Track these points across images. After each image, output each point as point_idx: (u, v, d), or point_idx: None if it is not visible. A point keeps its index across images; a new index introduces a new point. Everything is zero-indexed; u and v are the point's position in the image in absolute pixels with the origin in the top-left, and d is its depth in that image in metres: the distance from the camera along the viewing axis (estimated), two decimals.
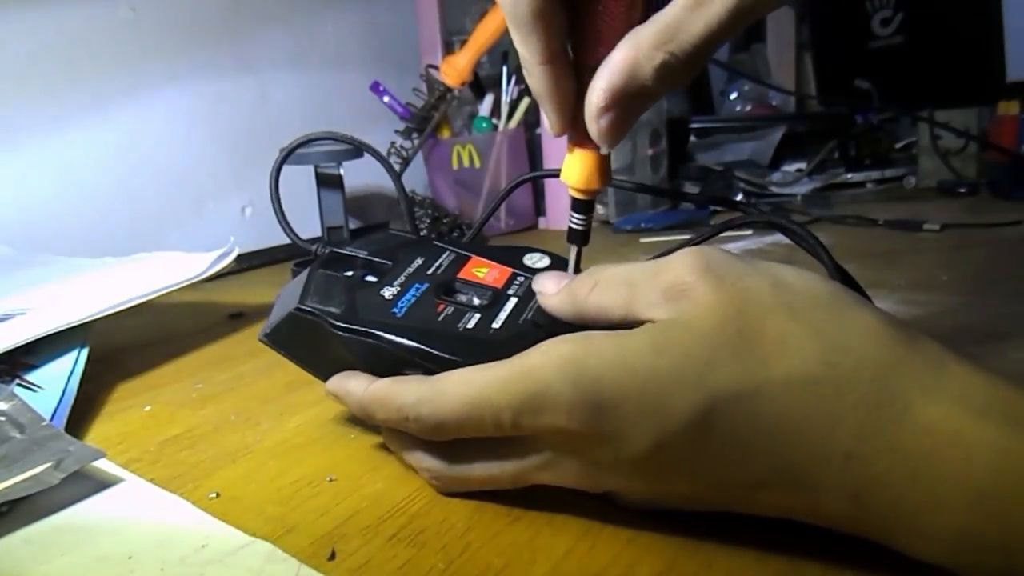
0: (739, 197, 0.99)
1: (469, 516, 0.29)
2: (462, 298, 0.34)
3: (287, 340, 0.34)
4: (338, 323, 0.31)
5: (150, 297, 0.49)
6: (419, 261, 0.37)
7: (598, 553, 0.26)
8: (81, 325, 0.44)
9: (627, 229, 0.88)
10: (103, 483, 0.33)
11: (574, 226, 0.32)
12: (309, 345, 0.33)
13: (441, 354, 0.30)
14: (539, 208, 0.98)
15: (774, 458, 0.23)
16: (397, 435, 0.32)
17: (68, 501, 0.31)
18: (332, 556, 0.27)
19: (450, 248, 0.39)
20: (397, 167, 0.91)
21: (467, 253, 0.38)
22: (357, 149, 0.79)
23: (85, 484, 0.32)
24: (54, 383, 0.41)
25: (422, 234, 0.81)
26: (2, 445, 0.33)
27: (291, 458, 0.35)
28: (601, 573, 0.25)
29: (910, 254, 0.67)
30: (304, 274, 0.35)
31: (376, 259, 0.37)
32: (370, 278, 0.35)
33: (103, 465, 0.34)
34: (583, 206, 0.32)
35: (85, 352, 0.44)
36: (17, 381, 0.41)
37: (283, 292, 0.36)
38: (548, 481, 0.28)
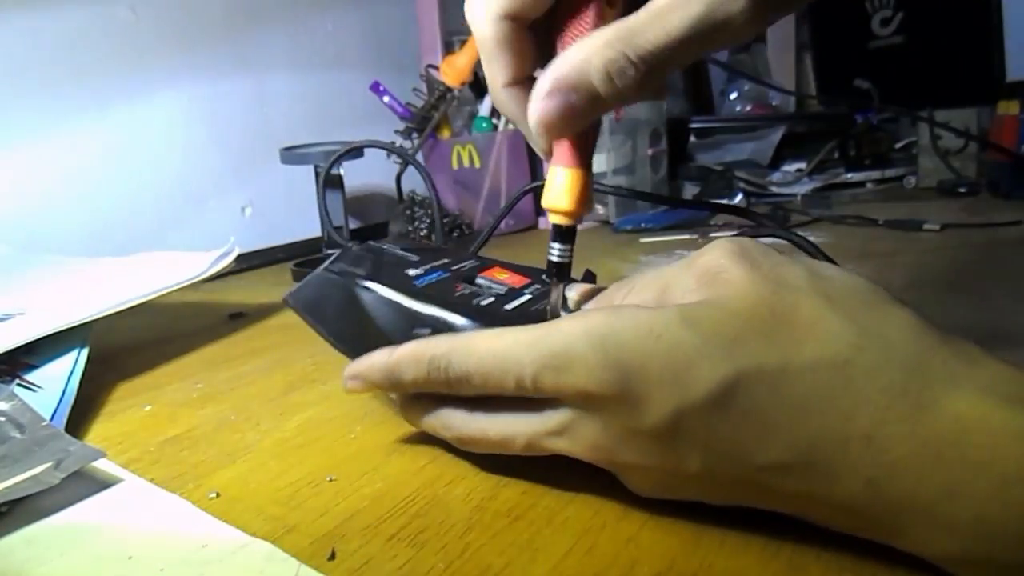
0: (739, 197, 0.99)
1: (469, 516, 0.29)
2: (479, 287, 0.36)
3: (311, 301, 0.35)
4: (362, 282, 0.33)
5: (150, 297, 0.49)
6: (445, 260, 0.39)
7: (598, 553, 0.26)
8: (81, 325, 0.44)
9: (627, 229, 0.88)
10: (103, 483, 0.33)
11: (554, 258, 0.30)
12: (331, 306, 0.35)
13: (455, 319, 0.31)
14: (539, 209, 0.98)
15: (793, 437, 0.23)
16: (417, 402, 0.32)
17: (68, 501, 0.31)
18: (332, 556, 0.27)
19: (476, 257, 0.41)
20: (397, 167, 0.91)
21: (491, 262, 0.40)
22: (358, 149, 0.79)
23: (85, 484, 0.32)
24: (54, 383, 0.41)
25: (422, 234, 0.81)
26: (2, 445, 0.33)
27: (291, 458, 0.35)
28: (601, 573, 0.25)
29: (910, 254, 0.67)
30: (336, 253, 0.37)
31: (405, 253, 0.39)
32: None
33: (103, 465, 0.34)
34: (565, 234, 0.30)
35: (85, 352, 0.44)
36: (17, 381, 0.41)
37: (312, 273, 0.38)
38: (561, 449, 0.28)
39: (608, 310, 0.26)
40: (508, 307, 0.33)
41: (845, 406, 0.22)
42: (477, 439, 0.30)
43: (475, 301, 0.33)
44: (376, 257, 0.36)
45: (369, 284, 0.33)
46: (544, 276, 0.33)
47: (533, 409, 0.28)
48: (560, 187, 0.28)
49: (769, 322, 0.24)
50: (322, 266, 0.36)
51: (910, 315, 0.24)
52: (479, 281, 0.37)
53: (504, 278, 0.38)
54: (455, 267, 0.38)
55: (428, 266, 0.37)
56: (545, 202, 0.29)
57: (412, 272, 0.36)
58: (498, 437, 0.29)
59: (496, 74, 0.28)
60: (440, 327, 0.31)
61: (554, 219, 0.29)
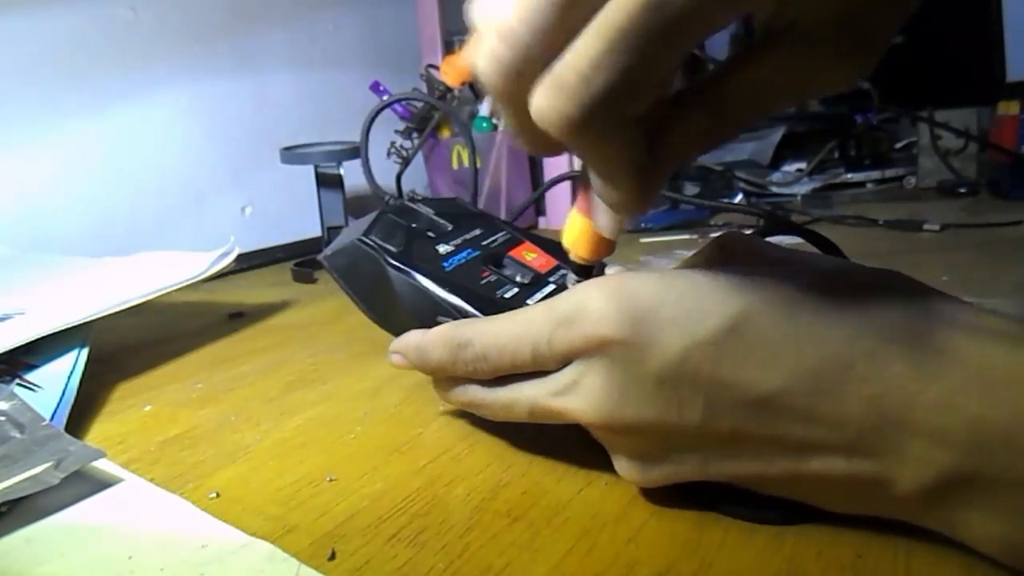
0: (739, 197, 0.99)
1: (469, 516, 0.29)
2: (506, 271, 0.37)
3: (344, 266, 0.37)
4: (392, 260, 0.34)
5: (150, 297, 0.49)
6: (477, 231, 0.40)
7: (598, 553, 0.26)
8: (81, 325, 0.44)
9: (627, 229, 0.88)
10: (103, 483, 0.33)
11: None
12: (362, 275, 0.36)
13: (475, 312, 0.32)
14: (539, 208, 0.98)
15: (797, 363, 0.24)
16: (446, 378, 0.33)
17: (68, 501, 0.31)
18: (332, 556, 0.27)
19: (508, 228, 0.41)
20: (397, 167, 0.91)
21: (521, 237, 0.41)
22: (358, 149, 0.79)
23: (85, 484, 0.32)
24: (54, 383, 0.41)
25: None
26: (2, 445, 0.33)
27: (291, 458, 0.35)
28: (601, 573, 0.25)
29: (910, 254, 0.67)
30: (373, 214, 0.38)
31: (439, 219, 0.39)
32: (430, 234, 0.38)
33: (103, 465, 0.34)
34: (584, 271, 0.31)
35: (85, 352, 0.44)
36: (17, 381, 0.41)
37: (351, 225, 0.39)
38: (563, 408, 0.28)
39: (620, 273, 0.28)
40: (529, 302, 0.34)
41: (849, 332, 0.24)
42: (488, 402, 0.31)
43: (498, 292, 0.35)
44: (409, 228, 0.37)
45: (399, 264, 0.34)
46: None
47: (540, 375, 0.29)
48: (583, 235, 0.29)
49: (772, 270, 0.26)
50: (360, 227, 0.37)
51: (899, 273, 0.27)
52: (506, 262, 0.38)
53: (532, 259, 0.39)
54: (485, 241, 0.39)
55: (459, 240, 0.38)
56: (567, 243, 0.29)
57: (442, 249, 0.37)
58: (506, 398, 0.30)
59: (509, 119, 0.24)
60: (461, 319, 0.32)
61: (574, 258, 0.30)
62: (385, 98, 0.61)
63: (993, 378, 0.22)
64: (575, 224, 0.29)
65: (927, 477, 0.23)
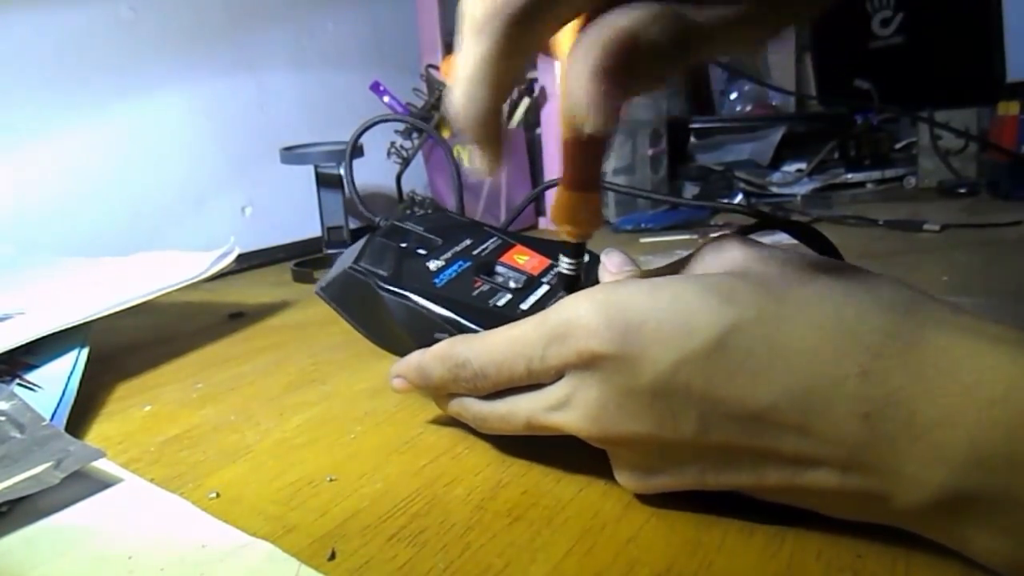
0: (739, 197, 0.99)
1: (469, 516, 0.29)
2: (499, 279, 0.37)
3: (339, 295, 0.37)
4: (383, 284, 0.34)
5: (150, 297, 0.49)
6: (467, 242, 0.40)
7: (598, 553, 0.26)
8: (81, 325, 0.44)
9: (627, 229, 0.88)
10: (103, 483, 0.33)
11: (565, 271, 0.32)
12: (357, 302, 0.36)
13: (469, 324, 0.32)
14: (539, 208, 0.98)
15: (789, 379, 0.23)
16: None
17: (68, 501, 0.31)
18: (332, 556, 0.27)
19: (498, 234, 0.41)
20: (397, 167, 0.91)
21: (512, 241, 0.41)
22: (358, 149, 0.79)
23: (85, 484, 0.32)
24: (54, 383, 0.41)
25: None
26: (2, 445, 0.33)
27: (291, 458, 0.35)
28: (601, 573, 0.25)
29: (910, 254, 0.67)
30: (364, 239, 0.38)
31: (429, 235, 0.40)
32: (421, 251, 0.38)
33: (103, 465, 0.34)
34: (574, 249, 0.31)
35: (85, 352, 0.44)
36: (17, 381, 0.41)
37: (344, 253, 0.39)
38: (559, 423, 0.28)
39: (611, 282, 0.28)
40: (523, 307, 0.35)
41: (840, 346, 0.23)
42: (485, 415, 0.31)
43: (491, 302, 0.35)
44: (399, 249, 0.37)
45: (390, 287, 0.34)
46: (560, 287, 0.34)
47: (536, 389, 0.29)
48: (570, 208, 0.29)
49: (762, 280, 0.25)
50: (351, 255, 0.37)
51: (892, 279, 0.26)
52: (498, 269, 0.38)
53: (524, 262, 0.39)
54: (476, 251, 0.39)
55: (449, 254, 0.38)
56: (553, 219, 0.30)
57: (433, 266, 0.37)
58: (503, 411, 0.30)
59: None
60: (456, 332, 0.32)
61: (566, 235, 0.30)
62: (368, 118, 0.62)
63: (992, 394, 0.21)
64: (557, 195, 0.29)
65: (925, 495, 0.22)
